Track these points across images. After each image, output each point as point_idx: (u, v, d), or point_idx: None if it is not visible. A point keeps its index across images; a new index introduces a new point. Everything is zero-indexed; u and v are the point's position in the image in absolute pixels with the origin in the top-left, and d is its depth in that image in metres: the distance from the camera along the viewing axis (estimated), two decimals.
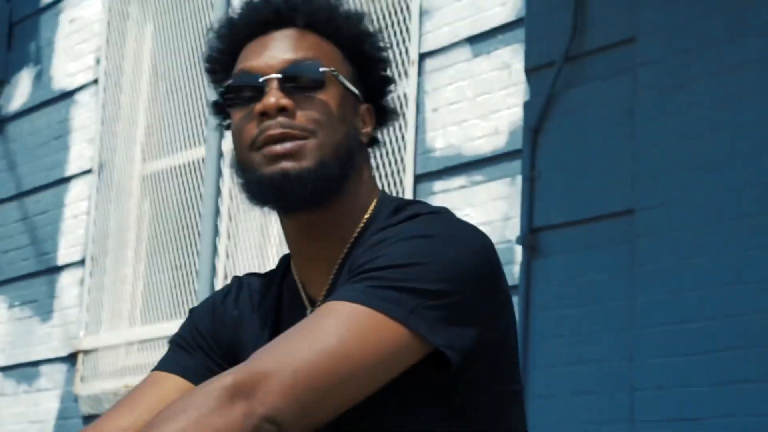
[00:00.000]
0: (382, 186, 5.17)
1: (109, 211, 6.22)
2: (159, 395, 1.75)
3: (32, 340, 6.39)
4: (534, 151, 4.24)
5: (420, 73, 5.04)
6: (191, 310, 1.85)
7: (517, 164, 4.48)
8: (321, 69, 1.70)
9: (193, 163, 6.04)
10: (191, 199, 6.01)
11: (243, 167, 1.71)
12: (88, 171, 6.29)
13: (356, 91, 1.74)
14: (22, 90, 6.77)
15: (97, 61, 6.36)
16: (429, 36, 5.04)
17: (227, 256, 5.70)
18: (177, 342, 1.81)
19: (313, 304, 1.72)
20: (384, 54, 1.79)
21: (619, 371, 3.87)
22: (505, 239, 4.32)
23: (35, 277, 6.43)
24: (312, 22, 1.74)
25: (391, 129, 5.17)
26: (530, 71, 4.30)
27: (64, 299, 6.29)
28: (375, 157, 5.21)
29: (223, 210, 5.74)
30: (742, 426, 3.68)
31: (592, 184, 4.09)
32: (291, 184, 1.66)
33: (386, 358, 1.54)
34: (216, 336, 1.80)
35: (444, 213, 1.69)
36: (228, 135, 5.76)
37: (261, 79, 1.70)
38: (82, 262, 6.22)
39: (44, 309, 6.34)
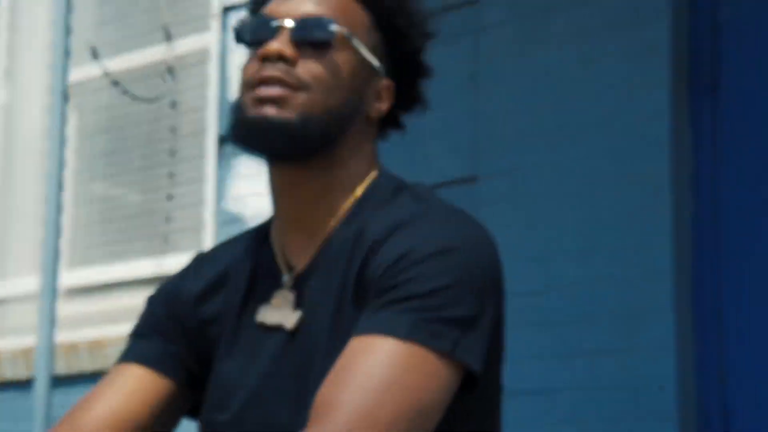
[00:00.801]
0: (182, 148, 4.85)
1: None
2: (118, 387, 1.69)
3: None
4: None
5: (223, 27, 4.75)
6: (147, 298, 1.77)
7: None
8: (332, 28, 1.63)
9: None
10: None
11: (236, 107, 1.65)
12: None
13: (375, 62, 1.67)
14: None
15: None
16: None
17: None
18: (134, 331, 1.75)
19: (291, 270, 1.65)
20: (419, 33, 1.73)
21: None
22: None
23: None
24: None
25: (191, 87, 4.85)
26: None
27: None
28: (173, 116, 4.88)
29: None
30: (591, 397, 3.59)
31: (434, 149, 3.91)
32: (267, 130, 1.60)
33: (444, 393, 1.51)
34: (173, 316, 1.72)
35: (450, 206, 1.65)
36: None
37: (273, 24, 1.63)
38: None
39: None
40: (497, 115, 3.85)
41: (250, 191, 4.53)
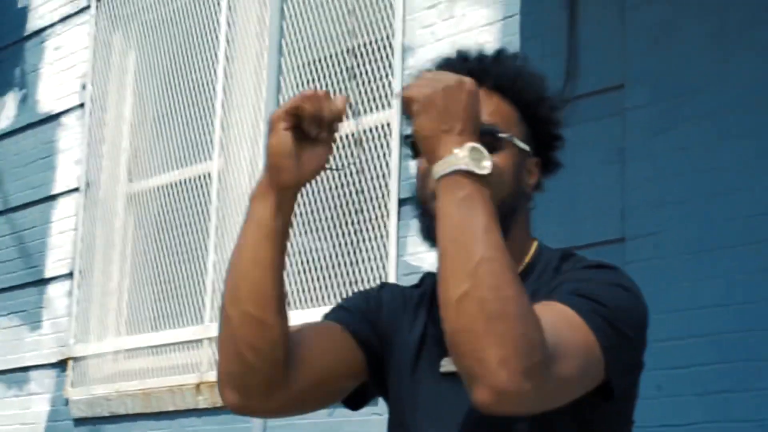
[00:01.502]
0: (368, 209, 5.25)
1: (96, 227, 6.19)
2: (328, 338, 1.85)
3: (22, 347, 6.32)
4: None
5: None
6: (345, 299, 1.94)
7: None
8: (500, 135, 1.79)
9: (176, 184, 6.04)
10: (174, 218, 6.02)
11: (421, 207, 1.81)
12: (75, 189, 6.25)
13: (527, 148, 1.83)
14: (7, 112, 6.69)
15: (83, 87, 6.32)
16: (412, 71, 5.12)
17: (215, 270, 5.72)
18: (342, 305, 1.92)
19: None
20: (557, 115, 1.89)
21: None
22: None
23: (24, 288, 6.36)
24: (498, 85, 1.83)
25: (376, 156, 5.24)
26: None
27: (53, 309, 6.24)
28: (360, 182, 5.31)
29: (211, 228, 5.76)
30: (725, 430, 3.84)
31: (586, 213, 4.22)
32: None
33: (586, 373, 1.64)
34: (369, 316, 1.89)
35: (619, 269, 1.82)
36: (215, 158, 5.71)
37: None
38: (70, 275, 6.18)
39: (34, 318, 6.28)
40: (642, 183, 4.14)
41: (426, 248, 4.87)
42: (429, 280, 1.93)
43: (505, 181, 1.78)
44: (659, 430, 3.96)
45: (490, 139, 1.75)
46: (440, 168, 1.61)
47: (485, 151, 1.62)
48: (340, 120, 1.73)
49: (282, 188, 1.73)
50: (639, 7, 4.26)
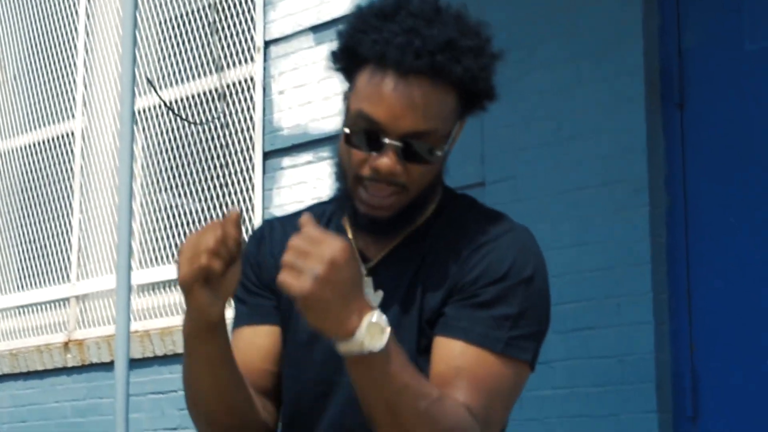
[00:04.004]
0: (233, 163, 5.15)
1: None
2: (240, 351, 1.80)
3: None
4: None
5: (266, 59, 5.04)
6: (239, 292, 1.88)
7: None
8: (437, 153, 1.73)
9: (38, 143, 5.84)
10: (38, 177, 5.83)
11: (345, 183, 1.75)
12: None
13: (457, 127, 1.79)
14: None
15: None
16: (273, 25, 5.05)
17: (81, 229, 5.56)
18: (237, 298, 1.87)
19: (366, 261, 1.78)
20: (492, 85, 1.81)
21: None
22: None
23: None
24: (438, 72, 1.70)
25: (240, 110, 5.15)
26: None
27: None
28: (224, 136, 5.19)
29: (76, 187, 5.60)
30: (584, 366, 3.88)
31: (449, 160, 4.19)
32: (377, 226, 1.74)
33: (521, 390, 1.78)
34: (261, 280, 1.84)
35: (518, 227, 1.83)
36: (78, 116, 5.55)
37: (385, 140, 1.69)
38: None
39: None
40: (501, 130, 4.13)
41: (292, 200, 4.82)
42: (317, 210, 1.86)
43: (428, 181, 1.75)
44: None
45: (423, 156, 1.71)
46: (342, 349, 1.59)
47: (382, 321, 1.58)
48: (239, 241, 1.64)
49: (216, 324, 1.69)
50: None
